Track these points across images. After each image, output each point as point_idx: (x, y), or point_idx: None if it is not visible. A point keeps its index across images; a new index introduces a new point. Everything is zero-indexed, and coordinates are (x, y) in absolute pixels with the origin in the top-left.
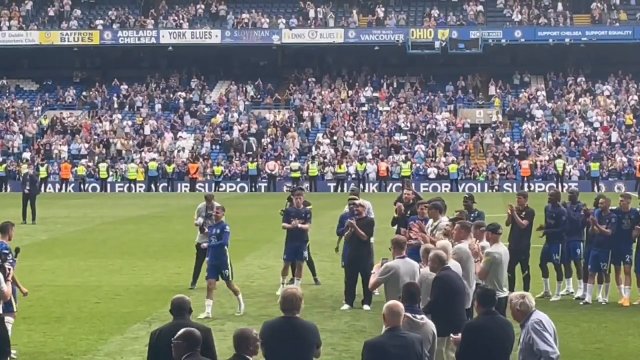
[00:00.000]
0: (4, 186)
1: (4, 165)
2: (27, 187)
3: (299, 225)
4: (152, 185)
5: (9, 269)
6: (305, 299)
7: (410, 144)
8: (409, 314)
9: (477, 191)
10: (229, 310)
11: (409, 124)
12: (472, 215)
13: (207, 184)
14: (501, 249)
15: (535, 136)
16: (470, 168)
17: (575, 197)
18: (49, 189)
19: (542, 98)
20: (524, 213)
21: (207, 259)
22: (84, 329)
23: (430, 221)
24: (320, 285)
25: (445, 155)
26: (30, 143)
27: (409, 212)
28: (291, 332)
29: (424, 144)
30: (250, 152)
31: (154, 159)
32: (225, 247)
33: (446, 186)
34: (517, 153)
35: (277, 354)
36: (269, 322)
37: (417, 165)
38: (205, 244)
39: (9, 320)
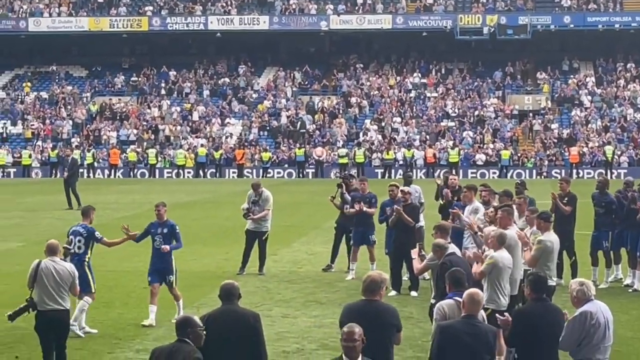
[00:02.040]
0: (55, 172)
1: (56, 151)
2: (66, 173)
3: (365, 209)
4: (200, 171)
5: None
6: (351, 286)
7: (458, 130)
8: (458, 298)
9: (525, 178)
10: (276, 296)
11: (457, 110)
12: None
13: (254, 170)
14: (552, 237)
15: (584, 122)
16: (519, 155)
17: (631, 185)
18: (98, 174)
19: (592, 84)
20: (566, 199)
21: (151, 261)
22: (133, 314)
23: (468, 206)
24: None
25: (493, 142)
26: (80, 129)
27: (455, 198)
28: (371, 314)
29: (472, 130)
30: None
31: (202, 145)
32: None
33: (494, 173)
34: (565, 139)
35: None
36: (350, 304)
37: (465, 151)
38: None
39: (87, 300)
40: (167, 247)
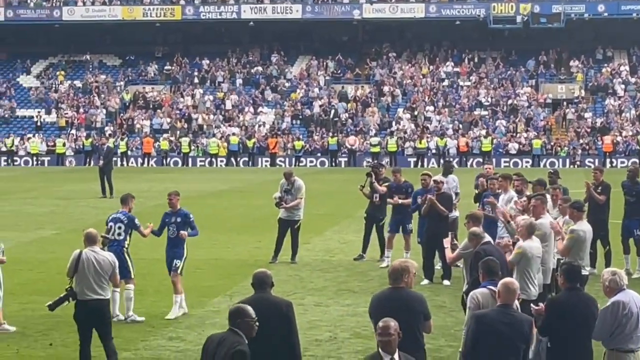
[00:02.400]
0: (89, 160)
1: (90, 140)
2: (102, 162)
3: (400, 201)
4: (233, 160)
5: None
6: (384, 275)
7: (491, 119)
8: (492, 287)
9: (558, 167)
10: (309, 285)
11: (489, 99)
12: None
13: (287, 159)
14: (585, 226)
15: (617, 111)
16: (552, 143)
17: None
18: (131, 163)
19: (625, 73)
20: (600, 188)
21: (166, 251)
22: (166, 302)
23: (502, 195)
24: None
25: (526, 131)
26: (113, 118)
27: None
28: (398, 302)
29: (505, 119)
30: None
31: (234, 134)
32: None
33: (527, 161)
34: (599, 128)
35: None
36: (377, 293)
37: (498, 140)
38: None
39: (129, 287)
40: (185, 232)
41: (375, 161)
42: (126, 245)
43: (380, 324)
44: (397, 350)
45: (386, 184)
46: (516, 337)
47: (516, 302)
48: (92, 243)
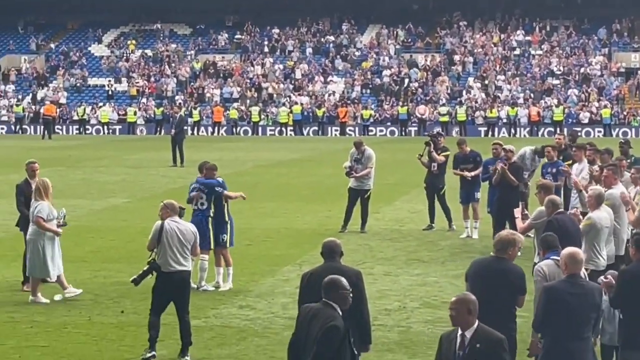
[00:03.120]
0: (160, 129)
1: (161, 109)
2: (174, 130)
3: (466, 173)
4: (297, 129)
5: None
6: (454, 245)
7: (562, 88)
8: (556, 257)
9: (631, 136)
10: (378, 254)
11: (561, 68)
12: (628, 160)
13: (356, 128)
14: None
15: None
16: (625, 113)
17: None
18: (202, 132)
19: None
20: None
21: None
22: (236, 270)
23: (576, 165)
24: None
25: (598, 100)
26: (184, 87)
27: (561, 158)
28: (498, 272)
29: (577, 88)
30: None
31: (296, 103)
32: (224, 204)
33: (599, 131)
34: None
35: (481, 291)
36: (478, 259)
37: (570, 109)
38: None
39: (203, 257)
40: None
41: (434, 130)
42: (210, 214)
43: (453, 298)
44: (471, 325)
45: (445, 153)
46: (587, 306)
47: (584, 271)
48: (173, 213)
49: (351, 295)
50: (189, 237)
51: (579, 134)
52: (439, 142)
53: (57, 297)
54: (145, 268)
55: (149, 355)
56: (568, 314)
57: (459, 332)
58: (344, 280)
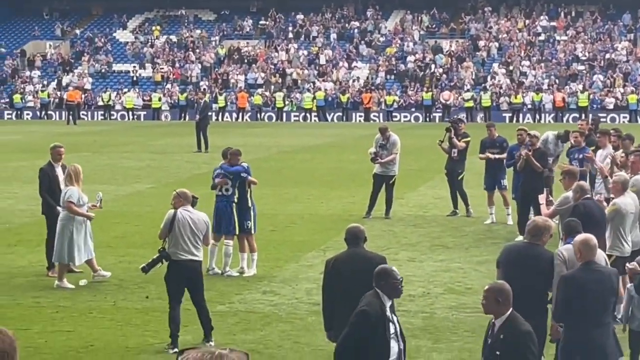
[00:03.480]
0: (184, 115)
1: (185, 94)
2: (198, 116)
3: (491, 156)
4: (322, 115)
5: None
6: (478, 231)
7: (587, 74)
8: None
9: None
10: (402, 240)
11: (586, 54)
12: None
13: (381, 114)
14: None
15: None
16: None
17: None
18: (226, 117)
19: None
20: None
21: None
22: (260, 256)
23: (600, 151)
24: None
25: (624, 86)
26: (208, 72)
27: (584, 144)
28: (531, 259)
29: (602, 74)
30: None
31: (319, 89)
32: (248, 190)
33: (624, 117)
34: None
35: (515, 278)
36: (510, 245)
37: (595, 95)
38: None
39: (228, 243)
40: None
41: (455, 116)
42: (235, 200)
43: (486, 285)
44: (501, 314)
45: (465, 139)
46: (605, 292)
47: (604, 255)
48: (186, 202)
49: (402, 285)
50: (201, 227)
51: (604, 120)
52: (459, 128)
53: (82, 282)
54: (155, 257)
55: (171, 352)
56: (588, 302)
57: (493, 319)
58: (395, 270)
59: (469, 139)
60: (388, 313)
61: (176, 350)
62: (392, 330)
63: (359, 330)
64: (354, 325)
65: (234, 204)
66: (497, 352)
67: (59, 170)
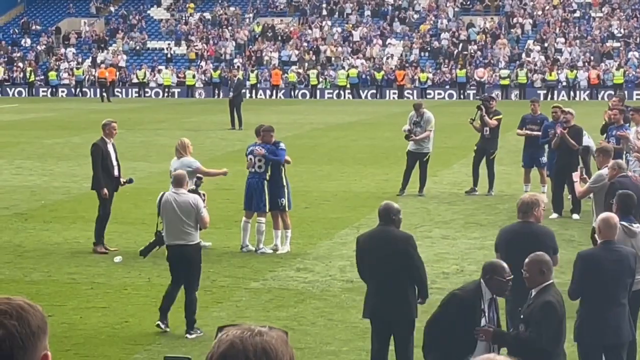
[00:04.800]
0: (218, 92)
1: (218, 72)
2: (232, 94)
3: (529, 133)
4: (355, 92)
5: (204, 194)
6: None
7: (623, 51)
8: (624, 223)
9: None
10: (436, 218)
11: (622, 31)
12: None
13: (415, 91)
14: None
15: None
16: None
17: None
18: (260, 95)
19: None
20: None
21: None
22: (294, 233)
23: (635, 127)
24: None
25: None
26: (242, 50)
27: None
28: (528, 236)
29: (638, 51)
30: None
31: (352, 67)
32: (282, 169)
33: None
34: None
35: (514, 256)
36: (505, 227)
37: (631, 73)
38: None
39: (260, 220)
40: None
41: (485, 94)
42: (267, 178)
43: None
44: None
45: (497, 117)
46: (623, 272)
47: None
48: (176, 185)
49: (510, 283)
50: (186, 210)
51: None
52: (490, 105)
53: (117, 259)
54: (151, 240)
55: (162, 325)
56: (605, 281)
57: (531, 289)
58: (505, 267)
59: (500, 116)
60: (484, 306)
61: (163, 324)
62: (482, 323)
63: (446, 312)
64: (443, 305)
65: (265, 182)
66: (521, 316)
67: (110, 147)
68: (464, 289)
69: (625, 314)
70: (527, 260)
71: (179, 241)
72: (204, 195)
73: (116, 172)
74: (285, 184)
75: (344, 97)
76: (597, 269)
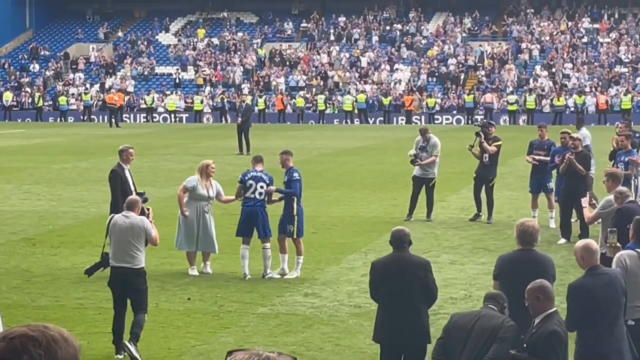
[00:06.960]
0: (225, 117)
1: (221, 97)
2: (240, 119)
3: (537, 158)
4: (363, 117)
5: (148, 210)
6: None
7: (631, 76)
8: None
9: None
10: (444, 243)
11: (630, 56)
12: None
13: (422, 116)
14: None
15: None
16: None
17: None
18: (268, 120)
19: None
20: None
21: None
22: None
23: None
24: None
25: None
26: (250, 75)
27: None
28: (530, 264)
29: None
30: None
31: (360, 91)
32: (294, 198)
33: None
34: None
35: (513, 285)
36: (504, 255)
37: (638, 98)
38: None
39: (266, 246)
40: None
41: (485, 120)
42: (266, 205)
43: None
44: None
45: (496, 143)
46: (616, 292)
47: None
48: (129, 209)
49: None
50: (136, 232)
51: None
52: (489, 132)
53: None
54: (97, 261)
55: (119, 357)
56: (600, 307)
57: (534, 317)
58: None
59: (500, 142)
60: None
61: (128, 350)
62: None
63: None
64: (509, 340)
65: (265, 208)
66: (524, 345)
67: (127, 172)
68: (462, 314)
69: (624, 335)
70: (527, 287)
71: (125, 264)
72: (148, 210)
73: None
74: (296, 214)
75: (352, 122)
76: (590, 297)
